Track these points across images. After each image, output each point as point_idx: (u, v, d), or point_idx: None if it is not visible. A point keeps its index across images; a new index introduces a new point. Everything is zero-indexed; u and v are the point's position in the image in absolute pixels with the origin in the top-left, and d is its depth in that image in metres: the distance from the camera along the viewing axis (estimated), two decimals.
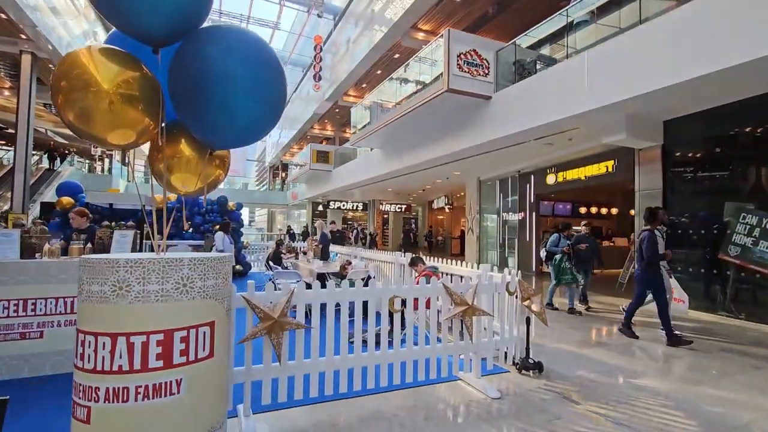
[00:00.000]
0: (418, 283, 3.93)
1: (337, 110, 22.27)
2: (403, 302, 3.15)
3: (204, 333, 2.07)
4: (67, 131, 29.76)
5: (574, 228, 7.62)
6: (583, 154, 9.67)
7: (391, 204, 24.17)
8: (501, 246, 13.65)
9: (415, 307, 3.22)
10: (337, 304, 2.99)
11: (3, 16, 13.21)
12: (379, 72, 17.41)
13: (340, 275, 5.91)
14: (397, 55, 15.81)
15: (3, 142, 27.59)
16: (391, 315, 3.12)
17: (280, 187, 35.39)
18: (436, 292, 3.26)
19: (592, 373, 3.77)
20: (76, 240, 4.13)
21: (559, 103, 7.12)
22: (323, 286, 3.00)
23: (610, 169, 9.09)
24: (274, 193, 35.03)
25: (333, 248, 9.07)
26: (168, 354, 1.94)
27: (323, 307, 2.93)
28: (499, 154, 10.38)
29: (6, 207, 16.69)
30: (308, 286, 3.28)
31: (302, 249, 10.63)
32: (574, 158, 10.02)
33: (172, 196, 10.75)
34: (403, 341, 3.19)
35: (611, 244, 14.02)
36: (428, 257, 5.64)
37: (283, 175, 34.90)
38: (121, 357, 1.87)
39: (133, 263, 1.90)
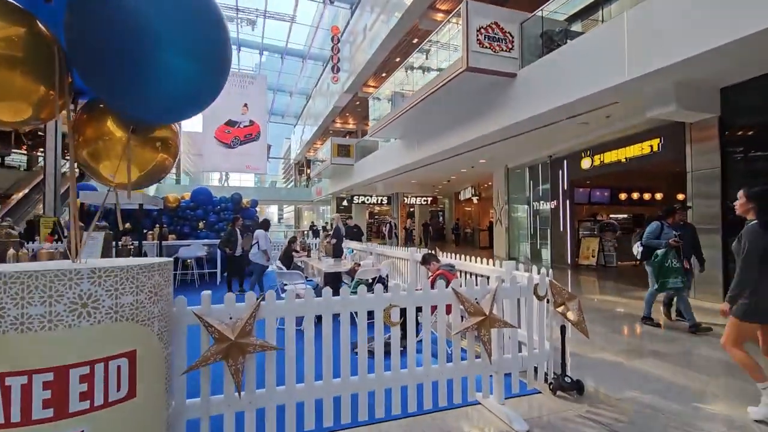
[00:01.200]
0: (432, 284, 3.34)
1: (357, 102, 21.74)
2: (404, 312, 2.56)
3: (118, 367, 1.56)
4: None
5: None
6: (623, 134, 8.67)
7: (416, 197, 23.48)
8: (533, 237, 12.74)
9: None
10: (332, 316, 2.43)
11: None
12: (398, 59, 16.67)
13: (351, 276, 5.38)
14: (415, 40, 15.04)
15: (42, 150, 28.85)
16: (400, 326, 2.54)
17: (306, 183, 35.41)
18: (444, 298, 2.64)
19: (647, 394, 3.05)
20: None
21: (595, 74, 6.25)
22: (335, 288, 2.48)
23: (655, 149, 8.07)
24: (300, 190, 35.12)
25: (349, 245, 8.57)
26: (61, 399, 1.44)
27: (300, 321, 2.39)
28: (528, 138, 9.53)
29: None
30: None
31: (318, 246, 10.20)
32: (612, 138, 9.03)
33: (187, 194, 10.59)
34: (404, 353, 2.60)
35: None
36: (453, 253, 5.03)
37: (308, 171, 34.85)
38: None
39: (7, 277, 1.41)
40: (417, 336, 2.93)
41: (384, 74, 18.56)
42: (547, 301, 3.04)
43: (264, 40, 22.89)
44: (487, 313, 2.54)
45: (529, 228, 12.90)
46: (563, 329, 3.05)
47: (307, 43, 24.92)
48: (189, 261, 9.01)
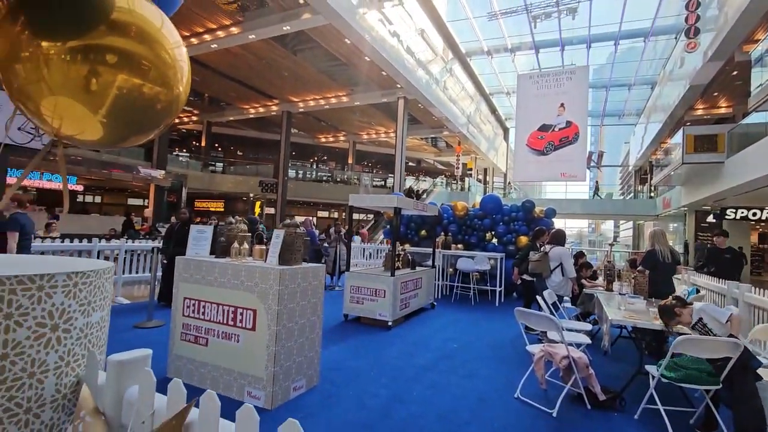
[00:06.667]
0: None
1: (734, 72, 15.04)
2: None
3: None
4: (445, 158, 36.29)
5: None
6: None
7: None
8: None
9: None
10: None
11: (384, 73, 17.11)
12: None
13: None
14: None
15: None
16: None
17: (650, 194, 28.35)
18: None
19: None
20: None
21: None
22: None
23: None
24: (641, 202, 28.54)
25: (697, 282, 5.20)
26: None
27: None
28: None
29: None
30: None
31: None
32: None
33: (477, 202, 9.94)
34: None
35: None
36: None
37: (651, 179, 27.80)
38: None
39: None
40: None
41: None
42: None
43: (591, 30, 19.89)
44: None
45: None
46: None
47: (651, 16, 19.73)
48: (474, 274, 8.28)
